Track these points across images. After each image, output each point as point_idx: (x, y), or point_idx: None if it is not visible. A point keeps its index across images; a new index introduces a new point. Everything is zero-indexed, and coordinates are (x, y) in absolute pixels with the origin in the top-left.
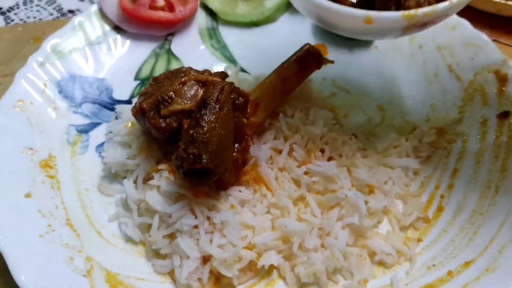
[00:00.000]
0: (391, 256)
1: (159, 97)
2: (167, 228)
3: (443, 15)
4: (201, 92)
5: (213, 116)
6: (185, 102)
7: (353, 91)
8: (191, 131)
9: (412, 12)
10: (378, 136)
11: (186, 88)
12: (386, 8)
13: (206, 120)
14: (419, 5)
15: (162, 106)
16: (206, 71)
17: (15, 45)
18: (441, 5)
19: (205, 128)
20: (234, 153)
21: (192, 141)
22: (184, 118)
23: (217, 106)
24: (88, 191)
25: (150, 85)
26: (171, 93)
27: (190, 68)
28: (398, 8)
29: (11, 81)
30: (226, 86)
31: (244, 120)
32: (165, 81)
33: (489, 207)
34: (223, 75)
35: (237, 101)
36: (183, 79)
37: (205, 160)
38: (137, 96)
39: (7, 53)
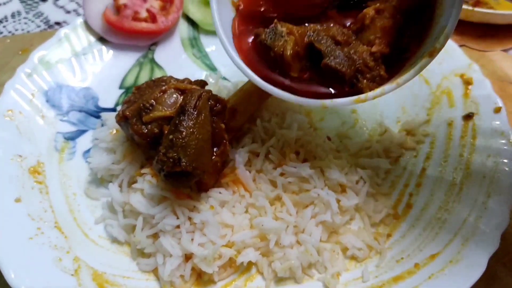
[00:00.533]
0: (362, 251)
1: (141, 104)
2: (151, 228)
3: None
4: (180, 99)
5: (191, 122)
6: (166, 109)
7: None
8: (170, 136)
9: (362, 97)
10: (351, 138)
11: (166, 96)
12: (338, 83)
13: (185, 125)
14: (370, 84)
15: (144, 113)
16: (186, 80)
17: (4, 56)
18: (387, 87)
19: (184, 133)
20: (213, 157)
21: (171, 146)
22: (164, 124)
23: (195, 112)
24: (75, 195)
25: (133, 94)
26: (152, 101)
27: (171, 77)
28: (352, 86)
29: (1, 91)
30: (204, 94)
31: (222, 125)
32: (147, 89)
33: (454, 203)
34: (202, 83)
35: (215, 107)
36: (164, 87)
37: (184, 163)
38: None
39: None
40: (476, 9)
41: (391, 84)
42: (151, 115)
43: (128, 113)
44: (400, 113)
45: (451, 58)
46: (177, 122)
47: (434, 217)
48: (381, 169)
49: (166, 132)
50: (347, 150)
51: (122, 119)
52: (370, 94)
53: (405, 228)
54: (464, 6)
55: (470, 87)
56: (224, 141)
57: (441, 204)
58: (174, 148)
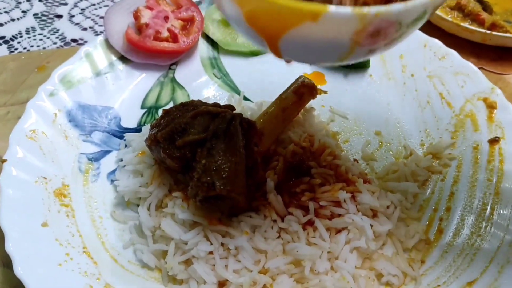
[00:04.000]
0: (397, 277)
1: (173, 128)
2: (183, 254)
3: (397, 22)
4: (212, 123)
5: (223, 145)
6: (198, 133)
7: (350, 117)
8: (203, 161)
9: (364, 10)
10: (377, 161)
11: (198, 120)
12: None
13: (217, 149)
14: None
15: (176, 137)
16: (215, 104)
17: (20, 74)
18: (395, 6)
19: (216, 157)
20: (247, 180)
21: (205, 170)
22: (197, 148)
23: (227, 137)
24: (101, 219)
25: (161, 117)
26: (184, 124)
27: (200, 101)
28: None
29: (19, 110)
30: (235, 117)
31: (254, 147)
32: (177, 113)
33: (486, 229)
34: (230, 107)
35: (246, 131)
36: (196, 111)
37: (218, 187)
38: (144, 124)
39: (12, 82)
40: (494, 33)
41: (397, 4)
42: (184, 139)
43: (160, 137)
44: (424, 136)
45: (473, 82)
46: (209, 146)
47: (467, 243)
48: (410, 193)
49: (199, 157)
50: (374, 173)
51: (154, 143)
52: (373, 8)
53: (438, 254)
54: (481, 30)
55: (494, 111)
56: (257, 164)
57: (472, 230)
58: (207, 172)
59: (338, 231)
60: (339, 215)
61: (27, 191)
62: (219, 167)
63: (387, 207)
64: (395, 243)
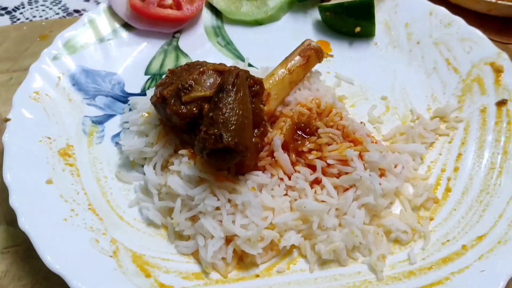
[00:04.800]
0: (406, 234)
1: (180, 85)
2: (190, 210)
3: None
4: (219, 80)
5: (230, 98)
6: (205, 89)
7: (356, 83)
8: (211, 114)
9: None
10: (384, 124)
11: (205, 77)
12: None
13: (224, 102)
14: None
15: (182, 94)
16: (222, 64)
17: (22, 43)
18: None
19: (224, 110)
20: (254, 138)
21: (212, 123)
22: (204, 104)
23: (234, 89)
24: (106, 179)
25: (167, 76)
26: (191, 81)
27: (206, 62)
28: None
29: (22, 76)
30: (242, 72)
31: (261, 106)
32: (183, 72)
33: (495, 186)
34: (236, 68)
35: (253, 87)
36: (202, 69)
37: (225, 138)
38: (149, 89)
39: (15, 51)
40: (499, 2)
41: None
42: (190, 95)
43: (166, 93)
44: (431, 101)
45: (479, 47)
46: (216, 99)
47: (476, 200)
48: (417, 154)
49: (206, 111)
50: (381, 135)
51: (159, 100)
52: None
53: (447, 212)
54: None
55: (501, 74)
56: (264, 122)
57: (481, 188)
58: (215, 125)
59: (346, 189)
60: (347, 173)
61: (31, 150)
62: (227, 120)
63: (395, 166)
64: (403, 202)
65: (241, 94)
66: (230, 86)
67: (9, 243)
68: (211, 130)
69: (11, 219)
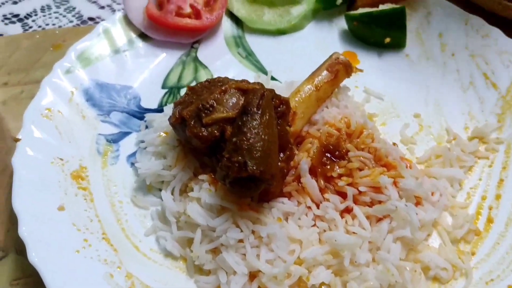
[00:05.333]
0: (446, 271)
1: (200, 105)
2: (210, 242)
3: None
4: (242, 100)
5: (255, 122)
6: (227, 110)
7: (386, 99)
8: (234, 139)
9: None
10: (417, 145)
11: (227, 96)
12: None
13: (248, 126)
14: None
15: (203, 115)
16: (244, 81)
17: (35, 52)
18: None
19: (248, 135)
20: (279, 163)
21: (236, 149)
22: (226, 126)
23: (259, 112)
24: (121, 203)
25: (186, 95)
26: (212, 101)
27: (227, 78)
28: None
29: (33, 89)
30: (267, 92)
31: (287, 127)
32: (203, 90)
33: None
34: (260, 85)
35: (279, 108)
36: (224, 87)
37: (250, 167)
38: (166, 105)
39: (27, 61)
40: None
41: None
42: (212, 116)
43: (185, 114)
44: (468, 119)
45: None
46: (240, 123)
47: None
48: (456, 180)
49: (229, 135)
50: (415, 158)
51: (178, 121)
52: None
53: (489, 246)
54: None
55: None
56: (290, 145)
57: None
58: (239, 151)
59: (379, 219)
60: (380, 202)
61: (43, 173)
62: (251, 146)
63: (432, 194)
64: (441, 234)
65: (267, 117)
66: (254, 108)
67: (18, 274)
68: (235, 157)
69: (20, 247)
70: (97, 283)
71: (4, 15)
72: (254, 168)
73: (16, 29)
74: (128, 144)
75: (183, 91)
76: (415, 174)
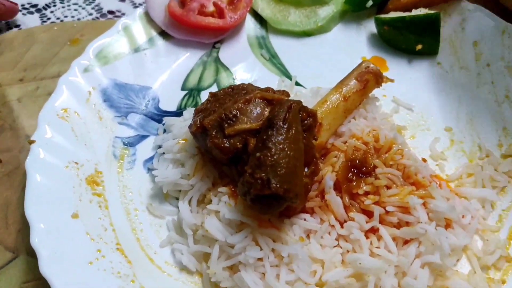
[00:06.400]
0: None
1: (223, 115)
2: (228, 259)
3: None
4: (267, 110)
5: (281, 137)
6: (251, 121)
7: (416, 110)
8: (258, 154)
9: None
10: (448, 161)
11: (251, 106)
12: None
13: (274, 141)
14: None
15: (225, 125)
16: (269, 89)
17: (52, 46)
18: None
19: (273, 150)
20: (303, 178)
21: (259, 165)
22: (249, 138)
23: (285, 126)
24: (137, 211)
25: (208, 101)
26: (236, 111)
27: (251, 85)
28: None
29: (50, 85)
30: (294, 105)
31: (314, 141)
32: (226, 97)
33: None
34: (286, 94)
35: (305, 121)
36: (248, 96)
37: (274, 184)
38: (185, 108)
39: (44, 55)
40: None
41: None
42: (235, 127)
43: (207, 124)
44: (502, 136)
45: None
46: (265, 137)
47: None
48: (487, 201)
49: (253, 149)
50: (445, 175)
51: (199, 130)
52: None
53: None
54: None
55: None
56: (315, 160)
57: None
58: (262, 167)
59: (406, 241)
60: (408, 223)
61: (57, 177)
62: (276, 162)
63: (463, 216)
64: (471, 259)
65: (293, 132)
66: (281, 122)
67: (29, 277)
68: (258, 173)
69: (32, 249)
70: None
71: (22, 5)
72: (278, 186)
73: (34, 20)
74: (145, 148)
75: (203, 94)
76: (446, 195)
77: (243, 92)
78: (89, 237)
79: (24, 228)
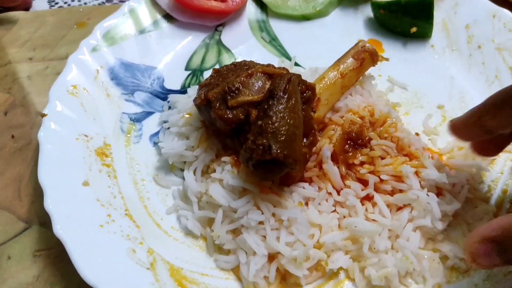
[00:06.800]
0: (464, 261)
1: (226, 88)
2: (231, 223)
3: None
4: (268, 84)
5: (281, 106)
6: (253, 93)
7: (410, 89)
8: (260, 122)
9: None
10: (440, 136)
11: (253, 80)
12: None
13: (274, 110)
14: None
15: (229, 97)
16: (270, 65)
17: (59, 29)
18: None
19: (274, 118)
20: (302, 148)
21: (260, 132)
22: (251, 110)
23: (285, 97)
24: (144, 181)
25: (211, 77)
26: (238, 84)
27: (253, 62)
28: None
29: (58, 66)
30: (294, 77)
31: (312, 113)
32: (229, 73)
33: None
34: (286, 70)
35: (304, 93)
36: (250, 71)
37: (274, 150)
38: (189, 86)
39: (52, 37)
40: None
41: None
42: (237, 99)
43: (211, 96)
44: None
45: None
46: (266, 107)
47: None
48: (477, 172)
49: (254, 118)
50: (438, 149)
51: (204, 102)
52: None
53: None
54: None
55: None
56: (313, 131)
57: None
58: (263, 134)
59: (399, 208)
60: (401, 191)
61: (68, 148)
62: (277, 129)
63: (453, 185)
64: (461, 225)
65: (293, 102)
66: (281, 93)
67: (41, 245)
68: (259, 140)
69: (44, 219)
70: (120, 257)
71: None
72: (278, 151)
73: (41, 4)
74: (151, 124)
75: (206, 74)
76: (437, 165)
77: (245, 67)
78: (99, 203)
79: (37, 200)
